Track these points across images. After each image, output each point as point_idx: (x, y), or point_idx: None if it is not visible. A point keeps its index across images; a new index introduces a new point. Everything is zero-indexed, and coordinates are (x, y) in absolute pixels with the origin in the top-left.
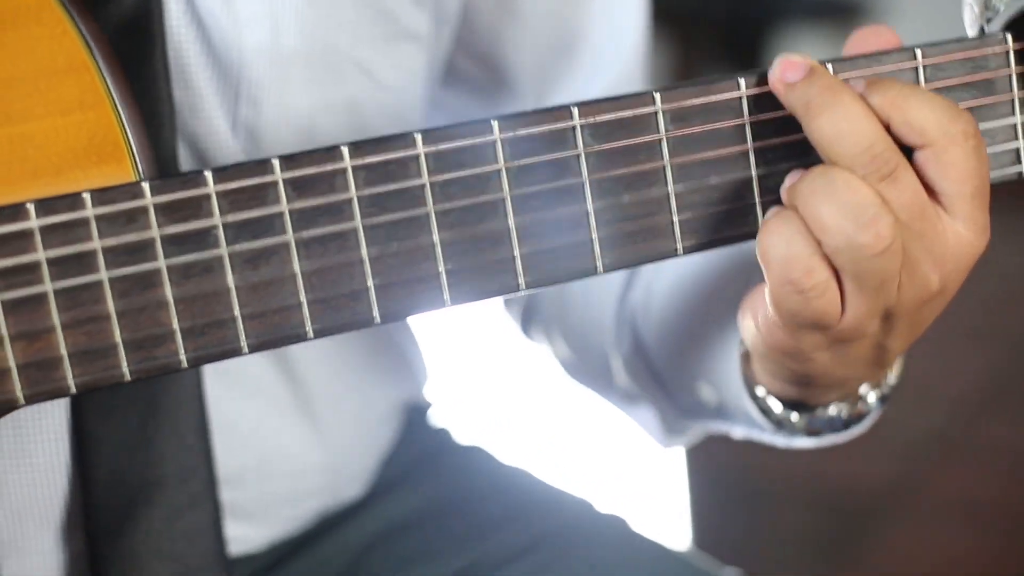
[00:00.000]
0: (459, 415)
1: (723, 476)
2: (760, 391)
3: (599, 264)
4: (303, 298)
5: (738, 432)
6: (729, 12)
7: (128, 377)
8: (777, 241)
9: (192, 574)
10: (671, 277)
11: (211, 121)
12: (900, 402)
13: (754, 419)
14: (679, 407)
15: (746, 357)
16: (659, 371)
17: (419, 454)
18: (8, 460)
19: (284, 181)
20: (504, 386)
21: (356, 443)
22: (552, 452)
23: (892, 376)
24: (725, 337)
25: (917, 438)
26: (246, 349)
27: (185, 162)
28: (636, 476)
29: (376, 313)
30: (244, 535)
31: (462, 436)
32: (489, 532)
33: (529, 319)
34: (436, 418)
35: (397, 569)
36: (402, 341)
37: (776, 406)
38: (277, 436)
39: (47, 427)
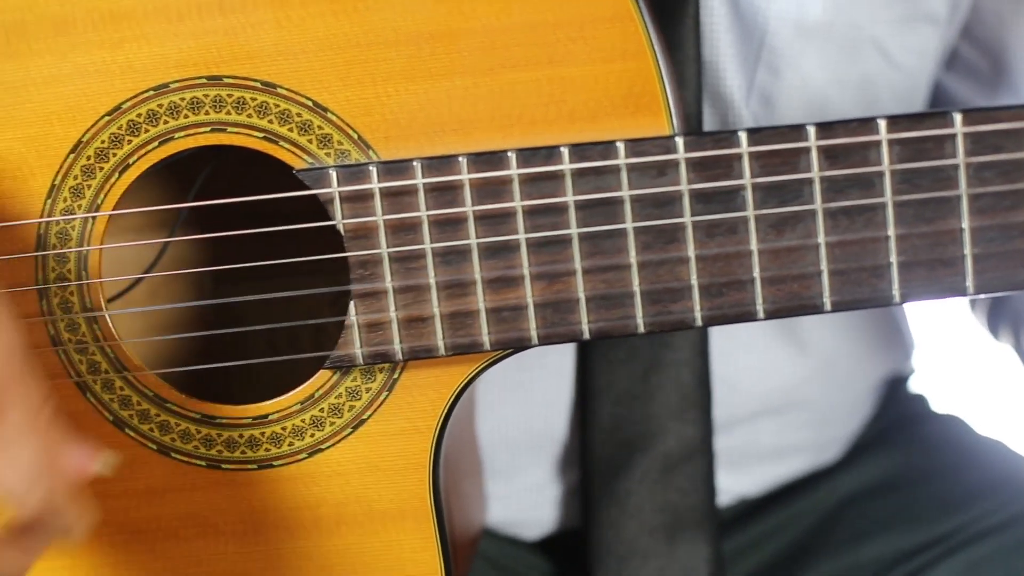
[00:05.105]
0: (937, 383)
1: None
2: None
3: None
4: (824, 267)
5: None
6: None
7: (642, 329)
8: None
9: (681, 525)
10: None
11: (727, 84)
12: None
13: None
14: None
15: None
16: None
17: (896, 419)
18: (508, 392)
19: (818, 148)
20: (981, 357)
21: (844, 405)
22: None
23: None
24: None
25: None
26: (761, 314)
27: (708, 122)
28: None
29: (896, 292)
30: (722, 486)
31: (939, 404)
32: (965, 503)
33: (996, 317)
34: (914, 384)
35: (871, 530)
36: (896, 312)
37: None
38: (771, 390)
39: (549, 365)
